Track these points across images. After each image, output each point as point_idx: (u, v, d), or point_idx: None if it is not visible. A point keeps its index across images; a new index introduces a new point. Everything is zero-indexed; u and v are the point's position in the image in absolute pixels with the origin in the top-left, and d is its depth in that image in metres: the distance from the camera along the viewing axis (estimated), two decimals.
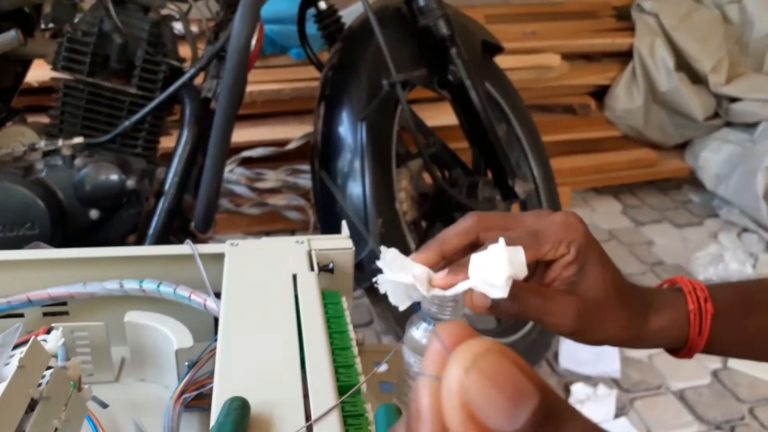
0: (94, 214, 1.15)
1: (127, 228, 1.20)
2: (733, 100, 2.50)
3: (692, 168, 2.52)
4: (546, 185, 1.66)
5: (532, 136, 1.67)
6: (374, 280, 0.45)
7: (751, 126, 2.45)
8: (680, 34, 2.51)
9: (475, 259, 0.42)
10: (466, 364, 0.18)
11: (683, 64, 2.52)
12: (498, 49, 1.63)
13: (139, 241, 1.21)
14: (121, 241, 1.20)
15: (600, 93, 2.65)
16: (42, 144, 1.14)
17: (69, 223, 1.14)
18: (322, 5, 1.45)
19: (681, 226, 2.34)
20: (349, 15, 1.49)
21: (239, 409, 0.38)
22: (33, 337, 0.39)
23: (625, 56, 2.61)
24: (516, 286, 0.41)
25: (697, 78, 2.53)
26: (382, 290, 0.45)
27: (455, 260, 0.46)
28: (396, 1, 1.42)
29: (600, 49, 2.62)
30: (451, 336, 0.20)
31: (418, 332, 0.53)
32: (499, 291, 0.40)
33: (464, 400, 0.18)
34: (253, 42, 1.13)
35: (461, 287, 0.42)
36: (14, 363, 0.37)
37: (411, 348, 0.53)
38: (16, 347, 0.40)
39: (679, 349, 0.51)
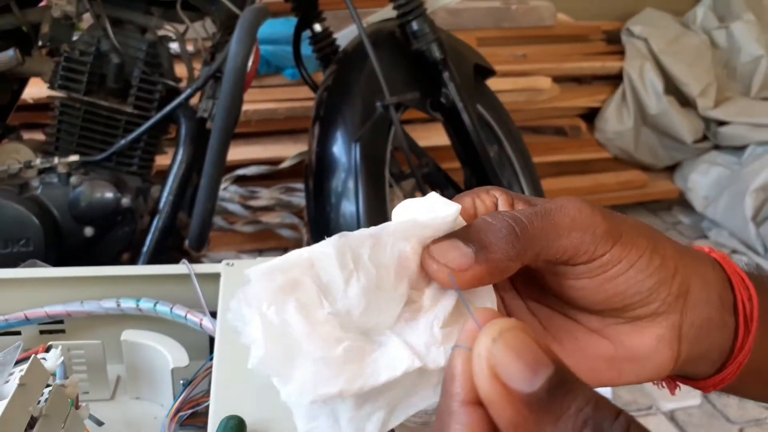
0: (88, 231, 1.16)
1: (122, 246, 1.20)
2: (721, 123, 2.54)
3: (681, 190, 2.55)
4: None
5: (523, 157, 1.69)
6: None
7: (739, 149, 2.49)
8: (669, 59, 2.55)
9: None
10: (494, 336, 0.22)
11: (672, 88, 2.56)
12: (490, 72, 1.66)
13: (133, 259, 1.21)
14: (115, 259, 1.21)
15: (590, 115, 2.68)
16: (38, 161, 1.15)
17: (63, 241, 1.15)
18: (318, 27, 1.47)
19: None
20: (343, 38, 1.51)
21: (235, 427, 0.39)
22: (33, 356, 0.40)
23: (615, 79, 2.65)
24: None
25: (685, 101, 2.57)
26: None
27: None
28: (390, 24, 1.45)
29: (590, 72, 2.65)
30: (483, 315, 0.23)
31: None
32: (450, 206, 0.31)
33: (491, 364, 0.22)
34: (250, 63, 1.14)
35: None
36: (15, 381, 0.38)
37: None
38: (15, 365, 0.41)
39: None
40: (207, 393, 0.51)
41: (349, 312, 0.28)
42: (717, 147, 2.57)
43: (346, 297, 0.28)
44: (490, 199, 0.36)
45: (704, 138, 2.59)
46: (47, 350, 0.45)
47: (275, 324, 0.26)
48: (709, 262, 0.36)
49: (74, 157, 1.15)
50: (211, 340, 0.53)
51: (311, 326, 0.27)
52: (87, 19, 1.20)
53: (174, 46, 1.29)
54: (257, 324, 0.27)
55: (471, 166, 1.54)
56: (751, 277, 0.36)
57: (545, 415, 0.21)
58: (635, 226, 0.34)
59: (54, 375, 0.43)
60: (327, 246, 0.29)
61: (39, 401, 0.39)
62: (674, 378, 0.38)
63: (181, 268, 0.59)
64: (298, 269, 0.28)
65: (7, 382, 0.38)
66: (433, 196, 0.32)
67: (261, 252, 2.03)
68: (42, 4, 1.19)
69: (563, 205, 0.33)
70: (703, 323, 0.34)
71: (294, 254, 0.29)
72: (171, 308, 0.55)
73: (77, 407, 0.43)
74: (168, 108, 1.17)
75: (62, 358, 0.44)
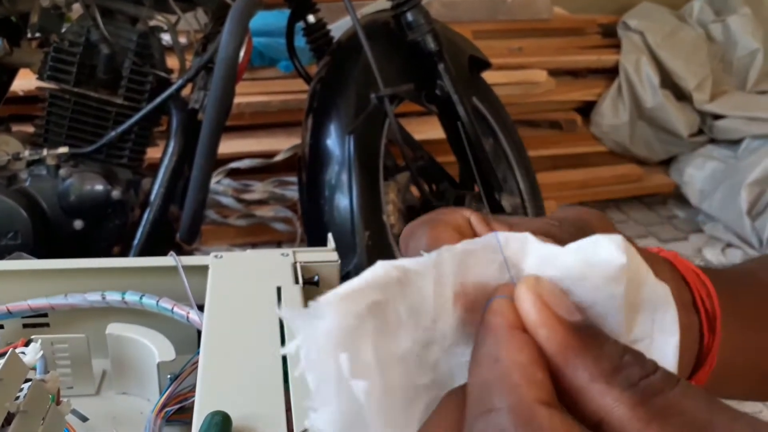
0: (78, 224, 1.14)
1: (112, 239, 1.19)
2: (717, 117, 2.53)
3: (677, 184, 2.55)
4: (532, 199, 1.67)
5: (518, 150, 1.68)
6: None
7: (734, 143, 2.48)
8: (665, 52, 2.54)
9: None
10: (535, 278, 0.23)
11: (668, 82, 2.55)
12: (485, 65, 1.64)
13: (124, 252, 1.20)
14: (106, 252, 1.19)
15: (586, 109, 2.67)
16: (26, 153, 1.13)
17: (53, 234, 1.13)
18: (311, 19, 1.45)
19: (666, 241, 2.36)
20: (337, 29, 1.50)
21: (220, 423, 0.38)
22: (11, 350, 0.39)
23: (610, 73, 2.64)
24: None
25: (681, 95, 2.57)
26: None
27: None
28: (384, 16, 1.43)
29: (586, 66, 2.64)
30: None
31: None
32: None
33: (537, 293, 0.22)
34: (242, 54, 1.13)
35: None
36: None
37: None
38: None
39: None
40: (194, 388, 0.50)
41: (429, 346, 0.23)
42: (713, 141, 2.57)
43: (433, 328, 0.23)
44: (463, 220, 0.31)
45: (700, 132, 2.59)
46: (27, 344, 0.43)
47: (348, 387, 0.21)
48: (661, 263, 0.34)
49: (64, 149, 1.14)
50: (199, 333, 0.52)
51: (385, 387, 0.22)
52: (77, 9, 1.18)
53: (165, 37, 1.27)
54: (331, 382, 0.21)
55: (466, 160, 1.53)
56: (707, 272, 0.35)
57: (592, 339, 0.22)
58: None
59: (34, 369, 0.42)
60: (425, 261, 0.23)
61: (18, 397, 0.38)
62: None
63: (168, 260, 0.57)
64: (381, 292, 0.23)
65: None
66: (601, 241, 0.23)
67: (254, 245, 2.01)
68: None
69: None
70: None
71: (379, 270, 0.23)
72: (157, 301, 0.54)
73: (58, 402, 0.41)
74: (159, 99, 1.16)
75: (42, 352, 0.43)
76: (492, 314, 0.23)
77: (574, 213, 0.33)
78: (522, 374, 0.21)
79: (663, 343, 0.24)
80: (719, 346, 0.33)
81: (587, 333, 0.22)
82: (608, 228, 0.31)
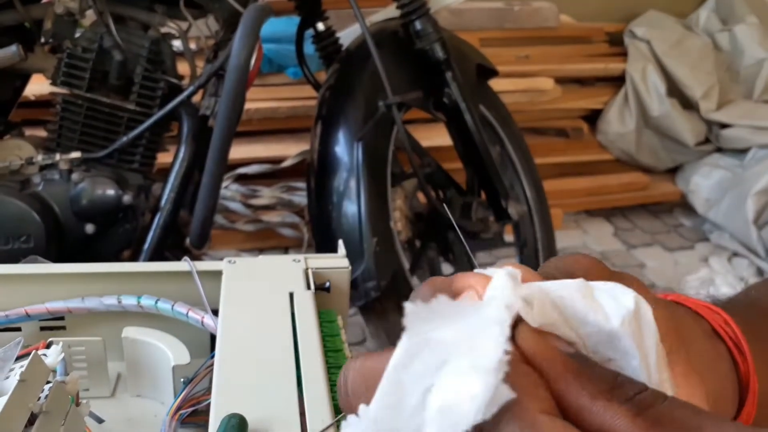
0: (89, 228, 1.15)
1: (123, 243, 1.20)
2: (724, 126, 2.53)
3: (683, 192, 2.55)
4: (538, 207, 1.68)
5: (525, 158, 1.69)
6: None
7: (741, 152, 2.48)
8: (672, 61, 2.55)
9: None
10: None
11: (674, 90, 2.56)
12: (492, 73, 1.65)
13: (134, 257, 1.21)
14: (116, 257, 1.20)
15: (592, 117, 2.68)
16: (39, 158, 1.14)
17: (64, 237, 1.14)
18: (321, 26, 1.47)
19: (672, 250, 2.36)
20: (346, 37, 1.51)
21: (237, 426, 0.39)
22: (34, 351, 0.40)
23: (617, 81, 2.65)
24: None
25: (688, 104, 2.57)
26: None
27: None
28: (393, 24, 1.45)
29: (593, 74, 2.65)
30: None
31: None
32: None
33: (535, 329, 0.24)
34: (252, 61, 1.14)
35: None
36: (15, 377, 0.37)
37: None
38: (15, 361, 0.41)
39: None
40: (208, 391, 0.51)
41: None
42: (719, 150, 2.57)
43: None
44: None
45: (706, 140, 2.59)
46: (48, 346, 0.44)
47: None
48: (672, 305, 0.34)
49: (76, 154, 1.15)
50: (213, 338, 0.53)
51: None
52: (90, 15, 1.20)
53: (177, 44, 1.29)
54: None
55: (473, 167, 1.54)
56: (718, 304, 0.36)
57: (587, 365, 0.24)
58: None
59: (55, 371, 0.43)
60: None
61: (39, 398, 0.39)
62: None
63: (183, 265, 0.58)
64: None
65: (7, 378, 0.38)
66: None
67: (261, 251, 2.02)
68: (45, 0, 1.19)
69: None
70: (697, 358, 0.31)
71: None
72: (172, 305, 0.55)
73: (78, 404, 0.42)
74: (170, 105, 1.17)
75: (63, 354, 0.43)
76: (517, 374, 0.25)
77: (567, 265, 0.31)
78: (525, 392, 0.23)
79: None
80: (756, 373, 0.33)
81: (582, 360, 0.24)
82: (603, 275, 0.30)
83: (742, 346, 0.33)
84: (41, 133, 1.24)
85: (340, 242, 0.64)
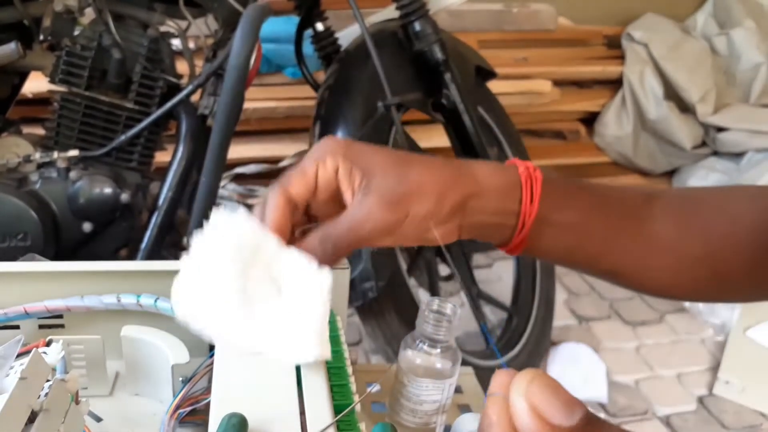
0: (87, 226, 1.15)
1: (120, 242, 1.20)
2: (720, 129, 2.54)
3: None
4: None
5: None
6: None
7: (737, 155, 2.49)
8: (669, 64, 2.56)
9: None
10: (528, 379, 0.25)
11: (672, 94, 2.57)
12: (491, 75, 1.66)
13: (131, 255, 1.21)
14: (113, 255, 1.20)
15: (590, 119, 2.69)
16: (37, 156, 1.14)
17: (61, 236, 1.14)
18: (320, 26, 1.47)
19: None
20: (345, 37, 1.51)
21: (237, 425, 0.39)
22: (34, 349, 0.40)
23: (615, 84, 2.66)
24: (317, 236, 0.46)
25: (685, 107, 2.58)
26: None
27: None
28: (392, 25, 1.45)
29: (590, 77, 2.66)
30: (509, 372, 0.27)
31: (412, 352, 0.54)
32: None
33: (531, 402, 0.24)
34: (252, 61, 1.14)
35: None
36: (15, 375, 0.37)
37: (406, 368, 0.54)
38: (15, 359, 0.41)
39: (508, 237, 0.49)
40: (206, 390, 0.51)
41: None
42: (716, 153, 2.58)
43: None
44: (332, 167, 0.46)
45: (703, 144, 2.60)
46: (48, 345, 0.44)
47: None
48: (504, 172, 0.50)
49: (74, 152, 1.15)
50: None
51: None
52: (89, 13, 1.19)
53: (176, 43, 1.28)
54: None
55: None
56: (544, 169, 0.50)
57: None
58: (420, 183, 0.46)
59: (54, 369, 0.43)
60: None
61: (39, 395, 0.39)
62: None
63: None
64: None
65: (7, 375, 0.38)
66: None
67: None
68: None
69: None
70: (478, 224, 0.49)
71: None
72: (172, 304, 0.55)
73: (77, 402, 0.42)
74: (169, 104, 1.17)
75: (63, 352, 0.43)
76: (487, 428, 0.26)
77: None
78: None
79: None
80: (541, 204, 0.48)
81: None
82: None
83: (535, 189, 0.48)
84: (39, 130, 1.23)
85: None
